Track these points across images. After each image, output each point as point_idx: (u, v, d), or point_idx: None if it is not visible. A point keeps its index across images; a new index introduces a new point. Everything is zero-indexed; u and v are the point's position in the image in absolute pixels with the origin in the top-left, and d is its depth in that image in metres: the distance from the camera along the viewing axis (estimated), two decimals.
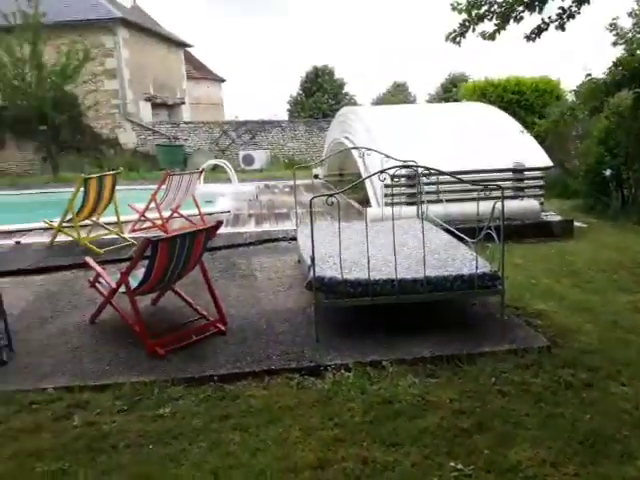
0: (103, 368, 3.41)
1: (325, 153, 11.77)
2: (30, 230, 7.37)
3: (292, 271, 5.32)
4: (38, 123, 14.41)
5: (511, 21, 4.35)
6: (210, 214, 7.92)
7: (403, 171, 5.30)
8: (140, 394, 3.09)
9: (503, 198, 3.44)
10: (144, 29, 19.69)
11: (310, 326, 3.86)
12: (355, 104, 25.95)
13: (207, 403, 3.00)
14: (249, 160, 16.69)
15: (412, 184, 5.84)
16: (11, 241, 6.81)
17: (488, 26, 4.59)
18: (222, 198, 9.44)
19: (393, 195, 5.22)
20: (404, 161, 4.92)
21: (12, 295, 4.66)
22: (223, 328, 3.87)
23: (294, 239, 6.40)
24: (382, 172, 3.51)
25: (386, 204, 6.30)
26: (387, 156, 5.18)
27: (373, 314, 3.97)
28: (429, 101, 28.21)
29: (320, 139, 17.79)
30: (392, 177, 3.82)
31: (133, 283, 3.67)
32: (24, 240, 6.87)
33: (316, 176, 11.52)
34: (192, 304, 4.14)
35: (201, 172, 7.36)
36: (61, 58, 14.18)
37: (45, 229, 7.13)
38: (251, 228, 7.31)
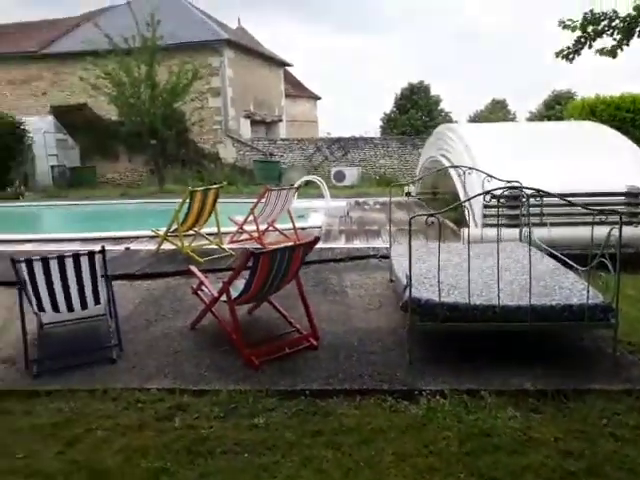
0: (201, 373, 3.56)
1: (419, 170, 11.62)
2: (138, 237, 7.90)
3: (383, 290, 5.26)
4: (149, 138, 15.55)
5: (635, 35, 4.04)
6: (302, 229, 8.07)
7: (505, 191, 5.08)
8: (236, 402, 3.18)
9: (621, 224, 3.19)
10: (248, 49, 20.71)
11: (402, 348, 3.79)
12: (450, 121, 25.45)
13: (299, 417, 3.03)
14: (340, 176, 16.88)
15: (514, 205, 5.59)
16: (121, 247, 7.34)
17: (607, 41, 4.31)
18: (314, 213, 9.60)
19: (498, 216, 5.01)
20: (507, 181, 4.73)
21: (122, 297, 5.00)
22: (315, 343, 3.90)
23: (385, 257, 6.34)
24: (488, 193, 3.38)
25: (484, 225, 6.08)
26: (490, 176, 5.00)
27: (469, 340, 3.81)
28: (529, 119, 27.04)
29: (413, 156, 17.62)
30: (497, 198, 3.67)
31: (233, 293, 3.81)
32: (133, 246, 7.38)
33: (408, 194, 11.37)
34: (286, 317, 4.21)
35: (297, 188, 7.54)
36: (172, 78, 15.24)
37: (152, 237, 7.62)
38: (341, 244, 7.34)
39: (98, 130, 18.97)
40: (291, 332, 4.09)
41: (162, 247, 6.90)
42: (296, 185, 9.41)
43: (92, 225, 11.02)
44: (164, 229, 6.87)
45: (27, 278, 3.64)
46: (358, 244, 7.25)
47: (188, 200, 6.46)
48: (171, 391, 3.31)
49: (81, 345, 4.13)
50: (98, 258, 3.78)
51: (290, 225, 7.61)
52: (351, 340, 4.04)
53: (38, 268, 3.62)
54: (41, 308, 3.82)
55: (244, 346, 3.69)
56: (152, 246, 7.26)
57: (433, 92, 30.24)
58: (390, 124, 30.05)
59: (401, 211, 9.80)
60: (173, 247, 6.85)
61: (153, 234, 7.18)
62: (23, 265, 3.59)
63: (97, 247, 7.38)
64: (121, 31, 15.24)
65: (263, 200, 6.89)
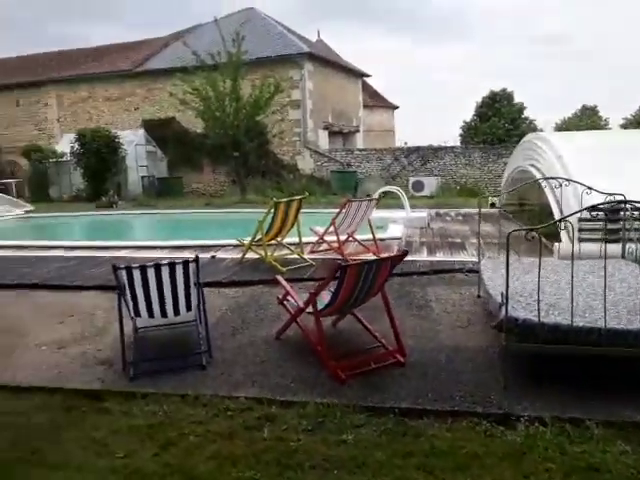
0: (288, 384, 3.57)
1: (505, 181, 11.17)
2: (223, 246, 8.16)
3: (471, 306, 5.05)
4: (232, 150, 16.11)
5: None
6: (382, 240, 7.97)
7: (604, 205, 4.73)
8: (323, 416, 3.15)
9: None
10: (327, 61, 20.99)
11: (494, 368, 3.61)
12: (535, 129, 24.34)
13: (389, 436, 2.94)
14: (419, 186, 16.62)
15: (616, 219, 5.19)
16: (208, 255, 7.60)
17: None
18: (393, 224, 9.47)
19: (603, 230, 4.67)
20: (609, 194, 4.40)
21: (209, 304, 5.10)
22: (402, 360, 3.80)
23: (472, 271, 6.12)
24: (594, 208, 3.15)
25: (580, 240, 5.69)
26: (590, 188, 4.67)
27: (569, 363, 3.56)
28: (624, 126, 25.29)
29: (497, 166, 17.01)
30: (602, 212, 3.41)
31: (318, 305, 3.80)
32: (219, 255, 7.62)
33: (493, 205, 10.98)
34: (371, 331, 4.15)
35: (378, 200, 7.47)
36: (255, 91, 15.73)
37: (236, 246, 7.84)
38: (423, 257, 7.17)
39: (185, 143, 19.95)
40: (376, 347, 4.01)
41: (246, 256, 7.06)
42: (375, 196, 9.37)
43: (179, 233, 11.55)
44: (248, 238, 7.04)
45: (126, 284, 3.83)
46: (441, 257, 7.05)
47: (272, 211, 6.58)
48: (259, 401, 3.34)
49: (173, 350, 4.29)
50: (192, 267, 3.90)
51: (369, 236, 7.55)
52: (439, 358, 3.90)
53: (137, 275, 3.80)
54: (137, 313, 4.00)
55: (329, 359, 3.66)
56: (236, 254, 7.46)
57: (517, 99, 29.10)
58: (470, 133, 29.22)
59: (486, 223, 9.43)
60: (257, 256, 6.99)
61: (238, 243, 7.38)
62: (123, 272, 3.78)
63: (185, 254, 7.76)
64: (207, 48, 15.98)
65: (344, 211, 6.88)
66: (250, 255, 7.09)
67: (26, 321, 5.13)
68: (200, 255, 7.40)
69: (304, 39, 22.07)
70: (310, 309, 3.85)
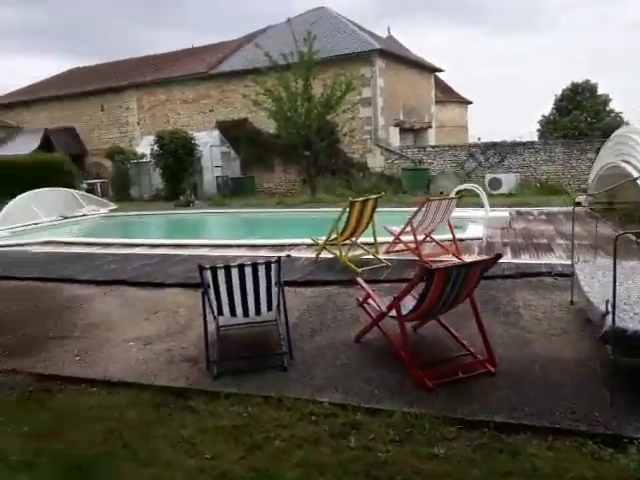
0: (372, 391, 3.46)
1: (592, 178, 10.46)
2: (297, 245, 8.17)
3: (564, 313, 4.72)
4: (303, 149, 16.19)
5: None
6: (461, 240, 7.67)
7: None
8: (411, 426, 3.01)
9: None
10: (398, 57, 20.65)
11: (596, 383, 3.33)
12: (621, 123, 22.74)
13: (484, 452, 2.76)
14: (496, 184, 15.96)
15: None
16: (282, 254, 7.63)
17: None
18: (472, 224, 9.11)
19: None
20: None
21: (287, 304, 5.11)
22: (492, 369, 3.58)
23: (561, 275, 5.74)
24: None
25: None
26: None
27: None
28: None
29: (580, 162, 16.03)
30: None
31: (402, 309, 3.67)
32: (293, 254, 7.63)
33: (578, 203, 10.31)
34: (458, 338, 3.95)
35: (459, 198, 7.18)
36: (326, 90, 15.71)
37: (310, 245, 7.82)
38: (507, 259, 6.79)
39: (257, 143, 20.32)
40: (463, 355, 3.82)
41: (320, 255, 7.02)
42: (452, 194, 9.06)
43: (253, 231, 11.74)
44: (322, 238, 7.00)
45: (211, 284, 3.87)
46: (527, 259, 6.66)
47: (348, 210, 6.49)
48: (343, 407, 3.25)
49: (253, 349, 4.30)
50: (274, 267, 3.89)
51: (447, 236, 7.29)
52: (532, 368, 3.65)
53: (221, 275, 3.83)
54: (220, 312, 4.05)
55: (415, 366, 3.52)
56: (310, 254, 7.43)
57: (600, 91, 27.37)
58: (549, 127, 27.81)
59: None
60: (331, 256, 6.93)
61: (312, 242, 7.36)
62: (208, 272, 3.82)
63: (260, 253, 7.84)
64: (279, 48, 16.14)
65: (423, 210, 6.66)
66: (324, 255, 7.04)
67: (114, 316, 5.35)
68: (276, 254, 7.57)
69: (375, 36, 21.82)
70: (393, 313, 3.73)
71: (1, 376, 4.00)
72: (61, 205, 13.98)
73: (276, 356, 4.02)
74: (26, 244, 9.64)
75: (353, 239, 7.04)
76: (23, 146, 22.45)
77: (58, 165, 16.67)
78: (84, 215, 14.22)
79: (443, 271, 3.33)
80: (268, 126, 19.05)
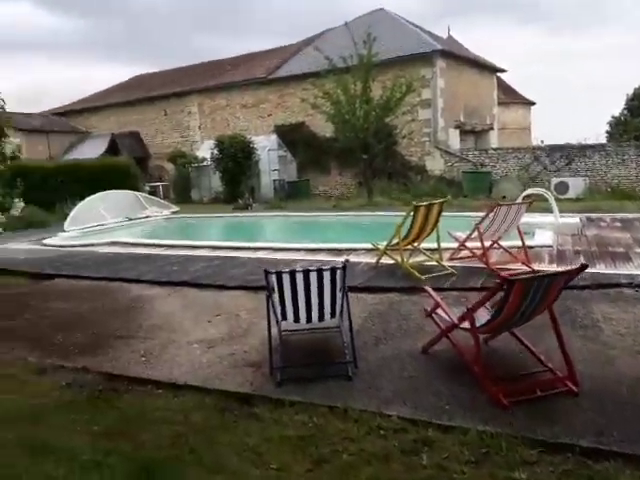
0: (442, 406, 3.29)
1: None
2: (355, 249, 8.05)
3: None
4: (361, 152, 16.06)
5: None
6: (530, 247, 7.30)
7: None
8: (487, 446, 2.83)
9: None
10: (459, 58, 20.15)
11: None
12: None
13: (570, 479, 2.54)
14: (563, 188, 15.24)
15: None
16: (341, 259, 7.51)
17: None
18: (540, 230, 8.67)
19: None
20: None
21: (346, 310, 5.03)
22: (575, 389, 3.33)
23: None
24: None
25: None
26: None
27: None
28: None
29: None
30: None
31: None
32: (351, 258, 7.49)
33: None
34: (535, 352, 3.71)
35: (530, 203, 6.84)
36: (386, 92, 15.52)
37: (368, 250, 7.69)
38: None
39: (313, 146, 20.39)
40: (541, 371, 3.57)
41: (381, 261, 6.87)
42: (519, 199, 8.68)
43: (310, 235, 11.70)
44: (381, 243, 6.85)
45: (275, 288, 3.82)
46: (603, 269, 6.24)
47: (412, 214, 6.31)
48: (413, 422, 3.10)
49: (316, 356, 4.22)
50: (339, 273, 3.79)
51: (514, 242, 6.96)
52: (618, 389, 3.37)
53: (286, 280, 3.77)
54: (284, 317, 3.99)
55: (489, 381, 3.32)
56: (369, 259, 7.29)
57: None
58: (619, 128, 26.34)
59: None
60: (391, 261, 6.76)
61: (371, 247, 7.22)
62: (273, 276, 3.78)
63: (319, 257, 7.77)
64: (337, 52, 16.11)
65: (491, 215, 6.38)
66: (385, 260, 6.88)
67: (177, 318, 5.42)
68: (333, 258, 7.49)
69: (435, 36, 21.42)
70: (465, 325, 3.54)
71: (73, 374, 4.10)
72: (126, 207, 14.49)
73: (340, 365, 3.92)
74: (94, 244, 10.02)
75: (415, 244, 6.84)
76: (91, 150, 23.56)
77: (124, 168, 17.32)
78: (147, 217, 14.69)
79: (523, 282, 3.12)
80: (325, 129, 19.07)
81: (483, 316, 3.59)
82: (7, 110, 6.80)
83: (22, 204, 7.23)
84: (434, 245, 6.86)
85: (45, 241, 10.68)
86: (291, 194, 19.50)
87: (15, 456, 3.01)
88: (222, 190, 20.08)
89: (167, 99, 25.17)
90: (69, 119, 28.33)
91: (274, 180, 20.09)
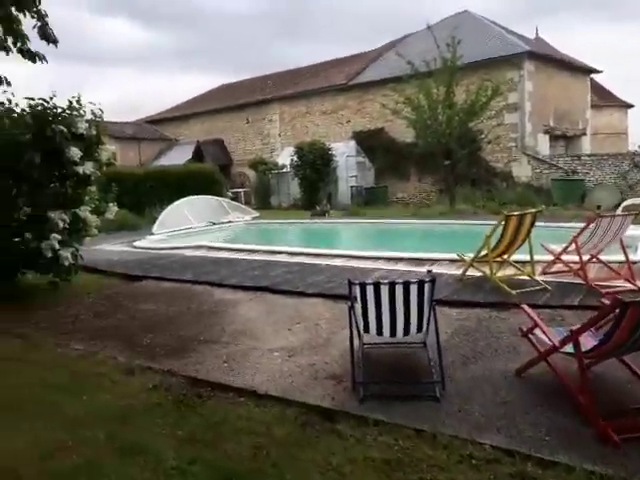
0: (542, 437, 3.00)
1: None
2: (438, 260, 7.74)
3: None
4: (443, 158, 15.62)
5: None
6: (633, 262, 6.66)
7: None
8: None
9: None
10: (549, 60, 19.13)
11: None
12: None
13: None
14: None
15: None
16: (423, 269, 7.26)
17: None
18: None
19: None
20: None
21: (432, 325, 4.80)
22: None
23: None
24: None
25: None
26: None
27: None
28: None
29: None
30: None
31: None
32: (434, 269, 7.21)
33: None
34: None
35: (637, 214, 6.24)
36: (471, 96, 15.00)
37: (452, 260, 7.37)
38: None
39: (392, 152, 20.15)
40: None
41: (467, 273, 6.55)
42: (619, 210, 8.00)
43: (388, 243, 11.50)
44: (468, 254, 6.53)
45: (359, 299, 3.70)
46: None
47: (502, 224, 5.96)
48: (509, 453, 2.85)
49: (400, 373, 4.04)
50: (427, 287, 3.60)
51: (616, 257, 6.39)
52: None
53: (370, 292, 3.63)
54: (367, 329, 3.86)
55: (597, 415, 2.99)
56: (454, 270, 6.99)
57: None
58: None
59: None
60: (478, 274, 6.43)
61: (456, 258, 6.91)
62: (357, 288, 3.65)
63: (398, 267, 7.56)
64: (419, 56, 15.79)
65: (591, 227, 5.89)
66: (471, 272, 6.55)
67: (258, 324, 5.43)
68: (415, 269, 7.24)
69: (522, 37, 20.49)
70: (569, 349, 3.23)
71: (159, 376, 4.19)
72: (210, 212, 15.01)
73: (426, 384, 3.72)
74: (179, 247, 10.41)
75: (505, 257, 6.46)
76: (178, 156, 24.73)
77: (209, 174, 17.98)
78: (230, 222, 15.12)
79: (639, 306, 2.78)
80: (404, 135, 18.78)
81: (587, 340, 3.27)
82: (104, 120, 7.18)
83: (116, 208, 7.59)
84: (525, 257, 6.44)
85: (135, 243, 11.26)
86: (369, 201, 19.36)
87: (104, 456, 3.09)
88: (300, 196, 20.31)
89: (249, 107, 25.94)
90: (158, 127, 29.95)
91: (352, 186, 20.04)
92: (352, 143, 21.16)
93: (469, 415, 3.31)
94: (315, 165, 19.47)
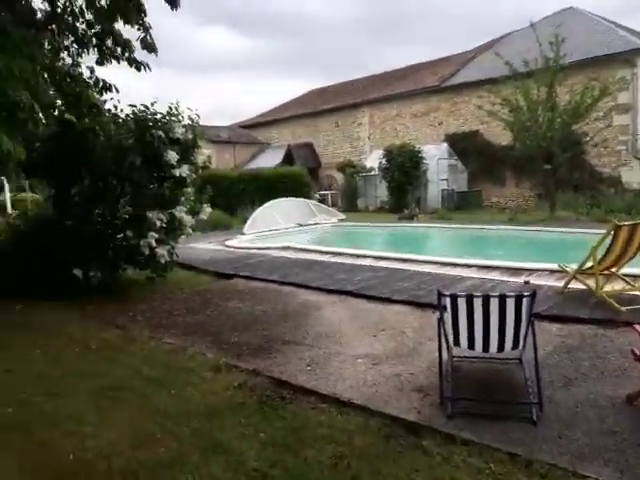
0: None
1: None
2: (536, 270, 7.25)
3: None
4: (542, 162, 14.70)
5: None
6: None
7: None
8: None
9: None
10: None
11: None
12: None
13: None
14: None
15: None
16: (518, 279, 6.84)
17: None
18: None
19: None
20: None
21: (529, 340, 4.46)
22: None
23: None
24: None
25: None
26: None
27: None
28: None
29: None
30: None
31: None
32: (532, 280, 6.76)
33: None
34: None
35: None
36: (575, 97, 13.99)
37: (552, 271, 6.88)
38: None
39: (487, 155, 19.33)
40: None
41: (569, 286, 6.05)
42: None
43: (482, 250, 10.98)
44: (571, 265, 6.03)
45: (449, 311, 3.50)
46: None
47: (612, 234, 5.44)
48: None
49: (492, 391, 3.77)
50: (526, 302, 3.32)
51: None
52: None
53: (461, 304, 3.43)
54: (457, 342, 3.64)
55: None
56: (553, 282, 6.51)
57: None
58: None
59: None
60: (582, 287, 5.91)
61: (559, 269, 6.42)
62: (447, 300, 3.46)
63: (492, 275, 7.16)
64: (518, 56, 14.98)
65: None
66: (573, 285, 6.04)
67: (342, 328, 5.35)
68: (510, 279, 6.82)
69: (636, 33, 18.82)
70: None
71: (244, 375, 4.24)
72: (298, 214, 15.22)
73: (521, 405, 3.44)
74: (268, 248, 10.63)
75: (613, 270, 5.89)
76: (270, 159, 25.44)
77: (298, 177, 18.28)
78: (317, 224, 15.25)
79: None
80: (500, 137, 17.96)
81: None
82: (201, 124, 7.48)
83: (209, 209, 7.88)
84: (636, 271, 5.84)
85: (227, 242, 11.66)
86: (460, 205, 18.70)
87: (188, 451, 3.14)
88: (387, 199, 20.07)
89: (339, 111, 26.10)
90: (252, 131, 31.01)
91: (442, 190, 19.47)
92: (444, 146, 20.58)
93: (570, 443, 3.01)
94: (404, 168, 19.15)
